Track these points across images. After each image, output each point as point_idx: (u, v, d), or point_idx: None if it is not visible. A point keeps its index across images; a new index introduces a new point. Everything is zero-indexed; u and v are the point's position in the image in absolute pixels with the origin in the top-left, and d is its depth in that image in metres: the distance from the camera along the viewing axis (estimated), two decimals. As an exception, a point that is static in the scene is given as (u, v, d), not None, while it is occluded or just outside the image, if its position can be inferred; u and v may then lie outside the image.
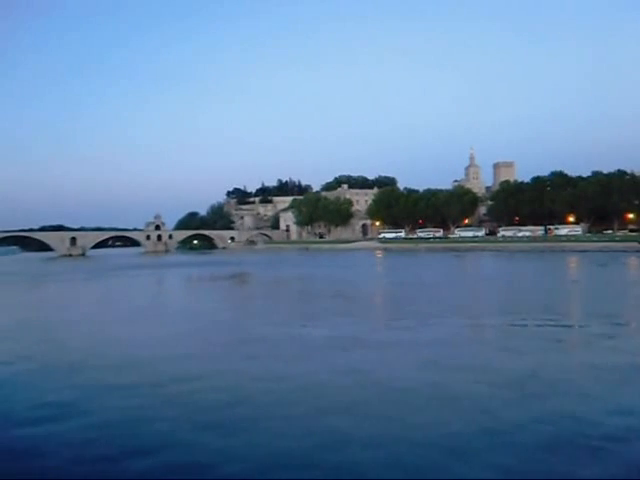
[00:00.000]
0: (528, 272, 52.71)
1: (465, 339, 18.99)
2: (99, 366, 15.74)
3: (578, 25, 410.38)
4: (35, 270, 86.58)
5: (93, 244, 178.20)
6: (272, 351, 17.48)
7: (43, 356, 17.52)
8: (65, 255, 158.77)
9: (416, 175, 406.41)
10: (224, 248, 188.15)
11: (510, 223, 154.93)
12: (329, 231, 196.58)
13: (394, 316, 24.78)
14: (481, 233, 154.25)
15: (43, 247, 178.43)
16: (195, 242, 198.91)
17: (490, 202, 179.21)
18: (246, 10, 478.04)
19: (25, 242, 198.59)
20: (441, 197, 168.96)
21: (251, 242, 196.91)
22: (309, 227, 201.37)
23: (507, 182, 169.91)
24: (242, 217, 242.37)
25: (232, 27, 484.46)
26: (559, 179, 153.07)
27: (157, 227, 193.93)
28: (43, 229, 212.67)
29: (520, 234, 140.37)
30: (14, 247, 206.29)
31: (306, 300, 32.05)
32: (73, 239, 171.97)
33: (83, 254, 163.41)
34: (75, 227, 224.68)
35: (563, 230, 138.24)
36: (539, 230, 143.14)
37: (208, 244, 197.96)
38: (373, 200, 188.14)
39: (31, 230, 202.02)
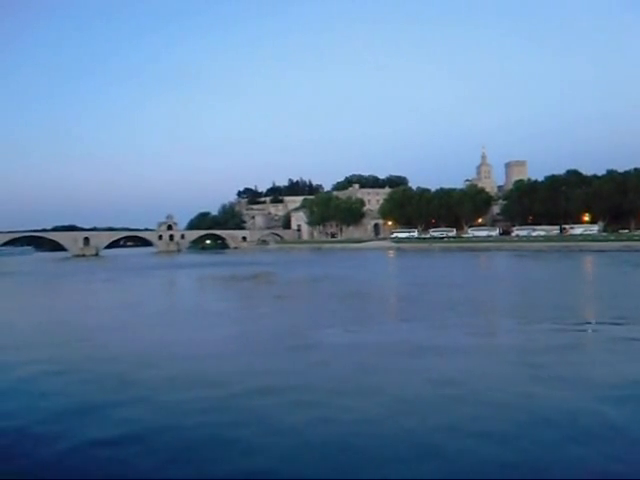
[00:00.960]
0: (560, 273, 51.07)
1: (546, 345, 17.15)
2: (155, 377, 14.55)
3: (591, 22, 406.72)
4: (53, 270, 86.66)
5: (106, 244, 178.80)
6: (338, 359, 15.99)
7: (92, 365, 16.18)
8: (78, 255, 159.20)
9: (427, 174, 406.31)
10: (236, 248, 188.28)
11: (524, 222, 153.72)
12: (341, 231, 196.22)
13: (444, 319, 23.05)
14: (495, 233, 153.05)
15: (56, 247, 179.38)
16: (208, 242, 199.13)
17: (503, 201, 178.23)
18: (256, 9, 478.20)
19: (38, 242, 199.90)
20: (454, 196, 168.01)
21: (263, 242, 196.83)
22: (321, 227, 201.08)
23: (521, 181, 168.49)
24: (253, 217, 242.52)
25: (240, 27, 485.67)
26: (574, 178, 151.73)
27: (169, 227, 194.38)
28: (56, 229, 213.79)
29: (535, 234, 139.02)
30: (28, 247, 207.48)
31: (342, 302, 30.56)
32: (86, 239, 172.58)
33: (96, 254, 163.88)
34: (87, 227, 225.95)
35: (578, 229, 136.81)
36: (554, 230, 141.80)
37: (220, 244, 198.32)
38: (385, 199, 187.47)
39: (44, 230, 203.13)
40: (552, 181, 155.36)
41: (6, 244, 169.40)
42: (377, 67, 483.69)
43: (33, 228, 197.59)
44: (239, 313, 28.05)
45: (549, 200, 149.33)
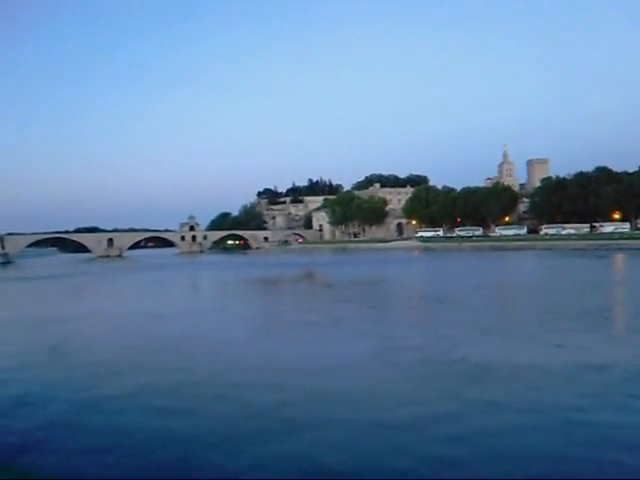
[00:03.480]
0: (619, 272, 48.96)
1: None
2: (253, 385, 13.70)
3: (611, 16, 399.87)
4: (87, 270, 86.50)
5: (129, 245, 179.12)
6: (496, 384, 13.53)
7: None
8: (103, 256, 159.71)
9: (447, 173, 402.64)
10: (258, 248, 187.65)
11: (552, 221, 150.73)
12: (363, 230, 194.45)
13: (546, 329, 20.69)
14: (523, 231, 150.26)
15: (80, 248, 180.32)
16: (230, 242, 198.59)
17: (526, 199, 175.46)
18: (267, 9, 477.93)
19: (62, 243, 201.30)
20: (480, 195, 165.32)
21: (285, 242, 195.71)
22: (343, 226, 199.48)
23: (549, 179, 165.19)
24: (274, 217, 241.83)
25: (252, 28, 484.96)
26: (603, 175, 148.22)
27: (191, 228, 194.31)
28: (78, 231, 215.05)
29: (564, 232, 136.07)
30: (52, 248, 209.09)
31: (441, 309, 28.15)
32: (110, 240, 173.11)
33: (120, 255, 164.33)
34: (109, 229, 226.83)
35: (609, 227, 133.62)
36: (584, 228, 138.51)
37: (241, 244, 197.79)
38: (409, 198, 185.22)
39: (67, 232, 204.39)
40: (581, 178, 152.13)
41: (31, 245, 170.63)
42: (396, 66, 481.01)
43: (56, 230, 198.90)
44: (340, 324, 23.76)
45: (578, 198, 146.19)
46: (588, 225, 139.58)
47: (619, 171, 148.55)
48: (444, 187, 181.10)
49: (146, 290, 46.78)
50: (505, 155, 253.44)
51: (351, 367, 15.64)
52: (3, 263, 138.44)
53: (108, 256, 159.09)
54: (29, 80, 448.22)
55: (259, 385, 14.05)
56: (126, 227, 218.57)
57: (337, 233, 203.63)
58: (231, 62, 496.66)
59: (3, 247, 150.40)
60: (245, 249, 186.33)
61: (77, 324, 26.07)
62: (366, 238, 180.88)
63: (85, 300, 40.74)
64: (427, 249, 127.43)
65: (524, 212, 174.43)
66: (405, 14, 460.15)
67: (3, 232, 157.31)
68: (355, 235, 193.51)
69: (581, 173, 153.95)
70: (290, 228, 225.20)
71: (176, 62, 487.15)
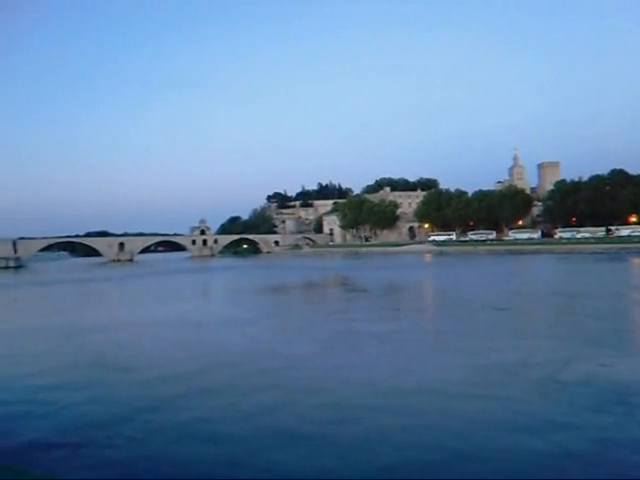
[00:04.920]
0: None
1: None
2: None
3: (623, 17, 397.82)
4: (102, 275, 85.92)
5: (140, 249, 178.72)
6: None
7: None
8: (114, 260, 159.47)
9: (457, 177, 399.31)
10: (268, 252, 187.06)
11: (566, 224, 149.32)
12: (375, 234, 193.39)
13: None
14: (537, 235, 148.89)
15: (90, 252, 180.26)
16: (245, 246, 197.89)
17: (539, 202, 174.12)
18: (279, 11, 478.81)
19: (73, 248, 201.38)
20: (493, 198, 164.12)
21: (296, 246, 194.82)
22: (354, 230, 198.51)
23: (563, 182, 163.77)
24: (283, 221, 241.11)
25: (262, 30, 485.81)
26: (619, 177, 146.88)
27: (202, 232, 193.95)
28: (88, 235, 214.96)
29: (579, 235, 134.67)
30: (63, 252, 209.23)
31: (483, 316, 26.35)
32: (121, 244, 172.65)
33: (131, 259, 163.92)
34: (119, 233, 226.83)
35: (625, 231, 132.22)
36: (599, 231, 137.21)
37: (252, 248, 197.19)
38: (421, 202, 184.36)
39: (77, 236, 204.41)
40: (596, 181, 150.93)
41: (42, 250, 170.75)
42: (405, 70, 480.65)
43: (66, 234, 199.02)
44: (409, 336, 21.49)
45: (593, 201, 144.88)
46: (603, 228, 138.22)
47: (635, 174, 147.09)
48: (456, 190, 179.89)
49: (171, 296, 45.72)
50: (515, 158, 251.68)
51: (460, 387, 13.85)
52: (15, 267, 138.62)
53: (119, 260, 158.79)
54: (34, 82, 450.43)
55: (378, 407, 12.58)
56: (135, 231, 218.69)
57: (348, 237, 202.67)
58: (241, 66, 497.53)
59: (15, 251, 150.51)
60: (256, 253, 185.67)
61: (113, 334, 24.73)
62: (378, 242, 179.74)
63: (110, 306, 39.35)
64: (441, 253, 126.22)
65: (537, 216, 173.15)
66: (414, 17, 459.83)
67: (15, 236, 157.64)
68: (366, 239, 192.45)
69: (596, 176, 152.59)
70: (300, 232, 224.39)
71: (185, 64, 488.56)
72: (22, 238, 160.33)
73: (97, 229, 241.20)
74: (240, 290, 48.58)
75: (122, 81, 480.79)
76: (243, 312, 31.74)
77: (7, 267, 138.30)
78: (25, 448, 10.77)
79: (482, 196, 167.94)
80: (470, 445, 10.15)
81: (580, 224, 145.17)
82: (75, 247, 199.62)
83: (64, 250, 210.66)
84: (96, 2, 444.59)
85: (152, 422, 12.07)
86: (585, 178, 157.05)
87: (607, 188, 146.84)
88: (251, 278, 65.25)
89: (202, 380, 15.55)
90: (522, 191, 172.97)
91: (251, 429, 11.37)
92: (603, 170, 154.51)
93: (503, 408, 12.30)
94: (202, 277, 73.46)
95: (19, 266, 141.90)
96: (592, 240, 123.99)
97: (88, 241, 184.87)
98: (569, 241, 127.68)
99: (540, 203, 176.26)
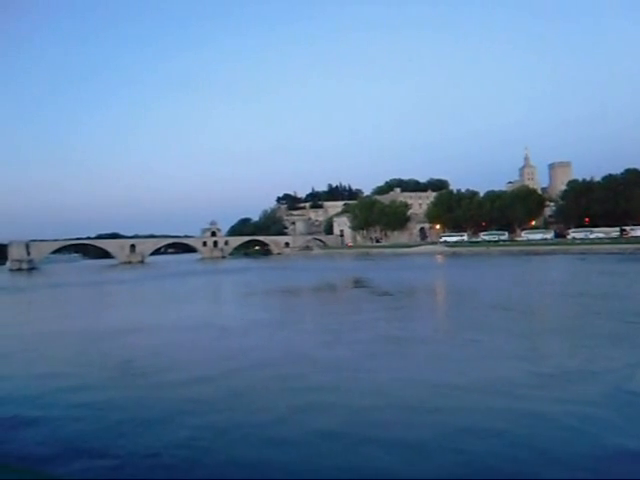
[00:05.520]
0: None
1: None
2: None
3: (634, 17, 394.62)
4: (116, 277, 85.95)
5: (151, 251, 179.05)
6: None
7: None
8: (125, 262, 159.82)
9: (468, 177, 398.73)
10: (279, 254, 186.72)
11: (580, 224, 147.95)
12: (385, 235, 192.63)
13: None
14: (550, 235, 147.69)
15: (102, 254, 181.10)
16: (257, 248, 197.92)
17: (550, 203, 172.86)
18: (288, 11, 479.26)
19: (84, 250, 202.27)
20: (505, 198, 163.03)
21: (306, 247, 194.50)
22: (364, 232, 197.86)
23: (575, 181, 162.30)
24: (293, 222, 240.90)
25: (275, 31, 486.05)
26: (633, 177, 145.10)
27: (213, 233, 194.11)
28: (100, 237, 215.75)
29: (592, 236, 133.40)
30: (75, 255, 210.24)
31: (523, 319, 25.37)
32: (132, 246, 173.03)
33: (142, 261, 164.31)
34: (129, 235, 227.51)
35: (639, 231, 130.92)
36: (613, 231, 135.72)
37: (263, 250, 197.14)
38: (432, 203, 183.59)
39: (88, 238, 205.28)
40: (609, 181, 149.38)
41: (55, 252, 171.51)
42: (414, 70, 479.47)
43: (77, 236, 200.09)
44: (453, 341, 20.55)
45: (607, 201, 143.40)
46: (617, 229, 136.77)
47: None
48: (468, 191, 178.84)
49: (190, 298, 45.49)
50: (526, 158, 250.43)
51: (525, 391, 13.33)
52: (29, 269, 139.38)
53: (130, 262, 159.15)
54: (40, 84, 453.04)
55: (436, 409, 12.06)
56: (146, 233, 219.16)
57: (358, 238, 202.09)
58: (250, 66, 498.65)
59: (28, 253, 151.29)
60: (266, 255, 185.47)
61: (139, 337, 24.15)
62: (389, 243, 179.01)
63: (130, 309, 39.03)
64: (454, 254, 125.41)
65: (550, 216, 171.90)
66: (423, 18, 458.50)
67: (27, 239, 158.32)
68: (377, 240, 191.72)
69: (610, 175, 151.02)
70: (310, 233, 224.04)
71: (193, 65, 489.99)
72: (34, 240, 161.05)
73: (108, 231, 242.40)
74: (259, 292, 48.13)
75: (129, 82, 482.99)
76: (268, 315, 31.15)
77: (20, 269, 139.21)
78: (77, 457, 10.49)
79: (494, 197, 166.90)
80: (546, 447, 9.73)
81: (593, 224, 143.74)
82: (87, 249, 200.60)
83: (76, 252, 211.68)
84: (98, 3, 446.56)
85: (204, 427, 11.73)
86: (597, 178, 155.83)
87: (621, 188, 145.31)
88: (267, 280, 64.85)
89: (247, 387, 14.99)
90: (534, 191, 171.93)
91: (305, 433, 11.07)
92: (615, 170, 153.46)
93: (573, 412, 11.84)
94: (217, 279, 73.16)
95: (32, 268, 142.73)
96: (607, 241, 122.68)
97: (100, 243, 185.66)
98: (583, 242, 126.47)
99: (552, 203, 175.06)
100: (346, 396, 13.50)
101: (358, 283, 54.02)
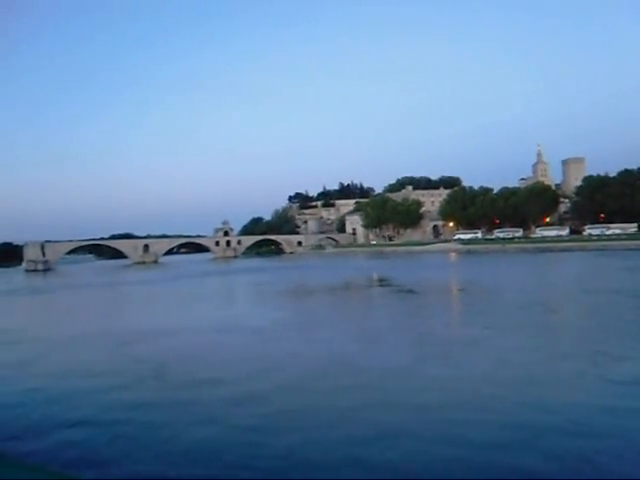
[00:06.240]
0: None
1: None
2: None
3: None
4: (133, 278, 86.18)
5: (165, 251, 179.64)
6: None
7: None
8: (139, 262, 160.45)
9: (480, 174, 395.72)
10: (291, 253, 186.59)
11: (595, 220, 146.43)
12: (398, 233, 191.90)
13: None
14: (565, 232, 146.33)
15: (115, 255, 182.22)
16: (272, 247, 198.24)
17: (564, 199, 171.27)
18: (297, 12, 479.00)
19: (98, 250, 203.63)
20: (520, 195, 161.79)
21: (319, 246, 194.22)
22: (377, 230, 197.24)
23: (591, 177, 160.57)
24: (305, 221, 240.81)
25: (285, 31, 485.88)
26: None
27: (226, 233, 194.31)
28: (113, 237, 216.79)
29: (609, 232, 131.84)
30: (89, 255, 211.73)
31: (581, 321, 24.21)
32: (146, 246, 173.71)
33: (156, 261, 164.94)
34: (142, 235, 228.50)
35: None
36: (631, 227, 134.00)
37: (275, 249, 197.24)
38: (445, 200, 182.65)
39: (102, 239, 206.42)
40: (625, 176, 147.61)
41: (69, 253, 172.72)
42: (424, 67, 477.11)
43: (91, 237, 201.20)
44: (497, 342, 19.59)
45: (623, 196, 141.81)
46: (635, 225, 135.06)
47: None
48: (481, 188, 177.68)
49: (214, 298, 45.35)
50: (539, 155, 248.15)
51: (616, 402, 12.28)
52: (44, 270, 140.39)
53: (144, 262, 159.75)
54: (49, 84, 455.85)
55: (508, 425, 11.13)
56: (158, 233, 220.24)
57: (371, 236, 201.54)
58: (262, 68, 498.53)
59: (44, 254, 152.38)
60: (278, 254, 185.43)
61: (171, 340, 23.38)
62: (402, 241, 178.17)
63: (154, 311, 38.60)
64: (469, 251, 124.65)
65: (564, 212, 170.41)
66: (433, 15, 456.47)
67: (42, 240, 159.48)
68: (390, 238, 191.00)
69: (625, 170, 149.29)
70: (322, 232, 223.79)
71: (205, 65, 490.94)
72: (49, 241, 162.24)
73: (121, 231, 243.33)
74: (281, 292, 47.74)
75: (137, 81, 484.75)
76: (297, 315, 30.62)
77: (36, 270, 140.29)
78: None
79: (508, 193, 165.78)
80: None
81: (609, 220, 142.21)
82: (100, 250, 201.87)
83: (90, 253, 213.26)
84: (100, 3, 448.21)
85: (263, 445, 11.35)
86: (612, 174, 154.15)
87: (638, 183, 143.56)
88: (287, 279, 64.38)
89: (299, 396, 14.13)
90: (549, 188, 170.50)
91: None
92: (629, 165, 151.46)
93: None
94: (236, 279, 72.83)
95: (47, 269, 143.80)
96: (624, 237, 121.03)
97: (113, 243, 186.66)
98: (600, 238, 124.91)
99: (566, 200, 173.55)
100: (423, 417, 12.08)
101: (380, 282, 53.39)
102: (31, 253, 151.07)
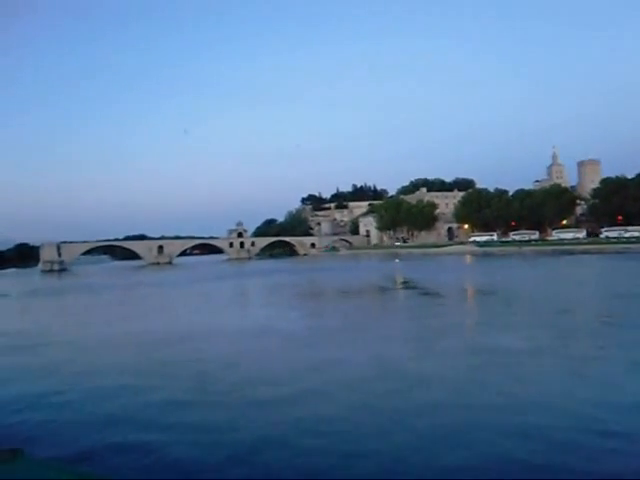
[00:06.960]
0: None
1: None
2: None
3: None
4: (150, 279, 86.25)
5: (179, 252, 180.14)
6: None
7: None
8: (153, 263, 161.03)
9: (494, 176, 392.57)
10: (305, 255, 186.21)
11: (612, 223, 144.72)
12: (412, 235, 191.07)
13: None
14: (582, 234, 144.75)
15: (130, 256, 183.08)
16: (286, 248, 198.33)
17: (580, 201, 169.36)
18: (307, 15, 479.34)
19: (113, 251, 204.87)
20: (536, 197, 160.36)
21: (333, 248, 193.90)
22: (391, 232, 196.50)
23: (608, 179, 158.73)
24: (319, 223, 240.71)
25: (296, 32, 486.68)
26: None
27: (239, 234, 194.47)
28: (127, 238, 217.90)
29: (627, 234, 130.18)
30: (104, 256, 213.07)
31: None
32: (160, 247, 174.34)
33: (170, 262, 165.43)
34: (156, 236, 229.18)
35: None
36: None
37: (289, 251, 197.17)
38: (460, 202, 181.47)
39: (116, 240, 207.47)
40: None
41: (84, 254, 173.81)
42: (437, 69, 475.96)
43: (105, 238, 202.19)
44: (561, 351, 18.40)
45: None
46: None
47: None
48: (496, 190, 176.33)
49: (237, 301, 45.01)
50: (554, 157, 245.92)
51: None
52: (59, 270, 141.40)
53: (158, 263, 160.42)
54: (62, 84, 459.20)
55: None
56: (172, 235, 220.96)
57: (385, 238, 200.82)
58: (275, 69, 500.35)
59: (59, 255, 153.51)
60: (292, 255, 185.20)
61: (202, 345, 22.56)
62: (416, 243, 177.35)
63: (179, 313, 37.69)
64: (486, 254, 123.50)
65: (581, 215, 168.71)
66: (447, 9, 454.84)
67: (58, 241, 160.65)
68: (404, 240, 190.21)
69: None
70: (335, 234, 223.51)
71: (217, 66, 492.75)
72: (65, 242, 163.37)
73: (135, 233, 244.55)
74: (305, 294, 47.28)
75: (145, 81, 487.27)
76: (329, 319, 29.89)
77: (52, 270, 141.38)
78: None
79: (523, 195, 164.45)
80: None
81: (627, 223, 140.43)
82: (115, 250, 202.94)
83: (104, 253, 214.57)
84: (101, 4, 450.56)
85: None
86: (629, 176, 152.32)
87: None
88: (307, 281, 63.94)
89: (356, 408, 13.17)
90: (566, 190, 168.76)
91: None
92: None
93: None
94: (254, 281, 72.40)
95: (63, 269, 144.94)
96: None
97: (128, 244, 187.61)
98: (618, 240, 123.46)
99: (582, 202, 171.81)
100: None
101: (402, 284, 52.78)
102: (47, 254, 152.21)
